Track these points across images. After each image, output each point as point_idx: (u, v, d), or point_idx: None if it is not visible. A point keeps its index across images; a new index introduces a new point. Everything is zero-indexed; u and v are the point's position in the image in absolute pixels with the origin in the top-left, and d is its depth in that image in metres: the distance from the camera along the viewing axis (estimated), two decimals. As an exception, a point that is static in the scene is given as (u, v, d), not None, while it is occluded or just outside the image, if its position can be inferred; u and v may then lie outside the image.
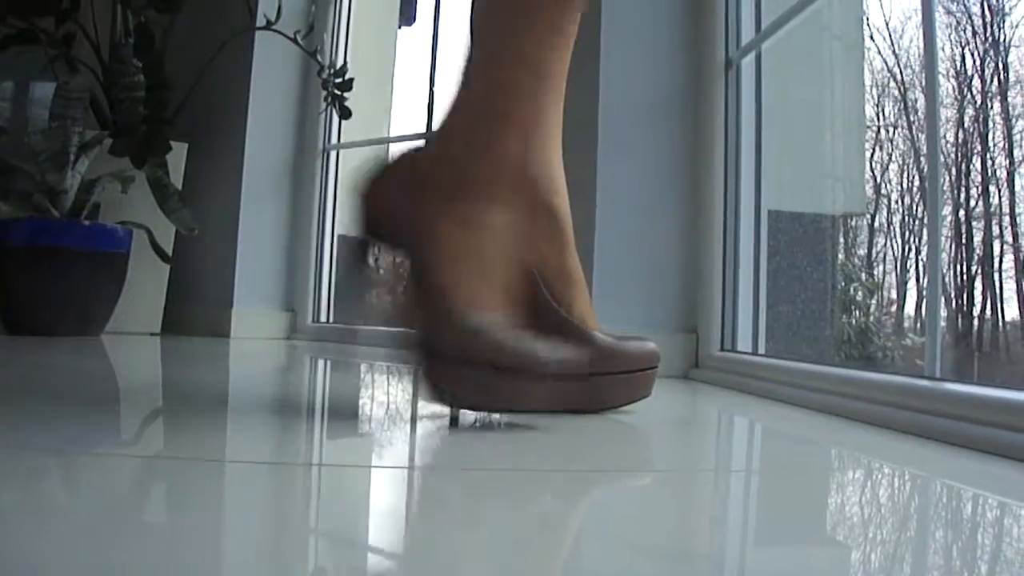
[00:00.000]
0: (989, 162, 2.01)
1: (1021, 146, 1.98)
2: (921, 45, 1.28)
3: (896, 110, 2.34)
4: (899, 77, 2.30)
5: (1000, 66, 2.06)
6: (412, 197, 0.88)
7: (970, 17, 2.14)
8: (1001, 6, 2.15)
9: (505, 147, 0.90)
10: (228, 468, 0.63)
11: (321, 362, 1.87)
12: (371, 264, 0.90)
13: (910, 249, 2.27)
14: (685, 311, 1.77)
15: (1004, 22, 2.11)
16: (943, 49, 2.04)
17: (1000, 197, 2.01)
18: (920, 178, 2.21)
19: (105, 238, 2.23)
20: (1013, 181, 1.99)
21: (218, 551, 0.43)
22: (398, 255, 0.87)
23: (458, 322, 0.84)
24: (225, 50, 2.49)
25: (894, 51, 2.29)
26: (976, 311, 2.08)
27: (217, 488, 0.56)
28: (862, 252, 2.38)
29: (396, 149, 0.86)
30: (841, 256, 2.36)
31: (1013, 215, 1.98)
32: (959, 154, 2.00)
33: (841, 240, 2.38)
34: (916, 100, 2.23)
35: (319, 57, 2.54)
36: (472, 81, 0.91)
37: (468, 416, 0.94)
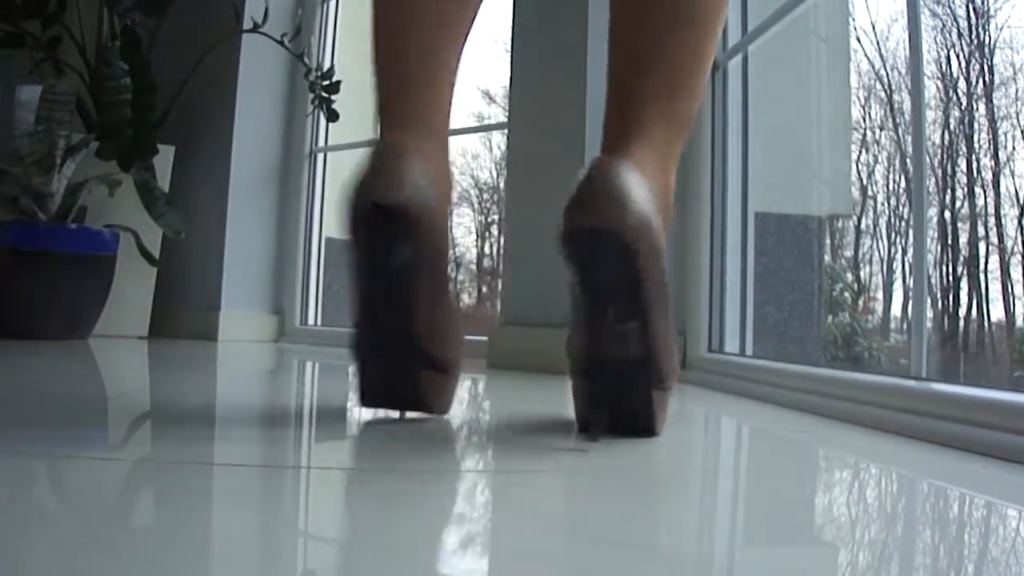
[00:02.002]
0: (975, 164, 2.01)
1: (1006, 148, 1.99)
2: (907, 47, 1.29)
3: (882, 112, 2.34)
4: (885, 79, 2.31)
5: (985, 68, 2.07)
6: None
7: (955, 19, 2.15)
8: (986, 8, 2.16)
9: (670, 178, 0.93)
10: (216, 471, 0.63)
11: (309, 365, 1.87)
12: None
13: (896, 250, 2.28)
14: (673, 313, 1.77)
15: (989, 24, 2.12)
16: (928, 51, 2.05)
17: (986, 198, 2.01)
18: (906, 179, 2.22)
19: (92, 241, 2.22)
20: (998, 183, 1.99)
21: (206, 554, 0.43)
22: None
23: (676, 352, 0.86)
24: (212, 53, 2.49)
25: (880, 53, 2.30)
26: (962, 312, 2.09)
27: (205, 491, 0.56)
28: (848, 253, 2.39)
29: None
30: (827, 257, 2.36)
31: (999, 216, 1.99)
32: (945, 156, 2.01)
33: (827, 241, 2.39)
34: (902, 102, 2.24)
35: (306, 60, 2.54)
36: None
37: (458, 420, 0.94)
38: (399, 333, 0.83)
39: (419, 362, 0.85)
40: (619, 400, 0.81)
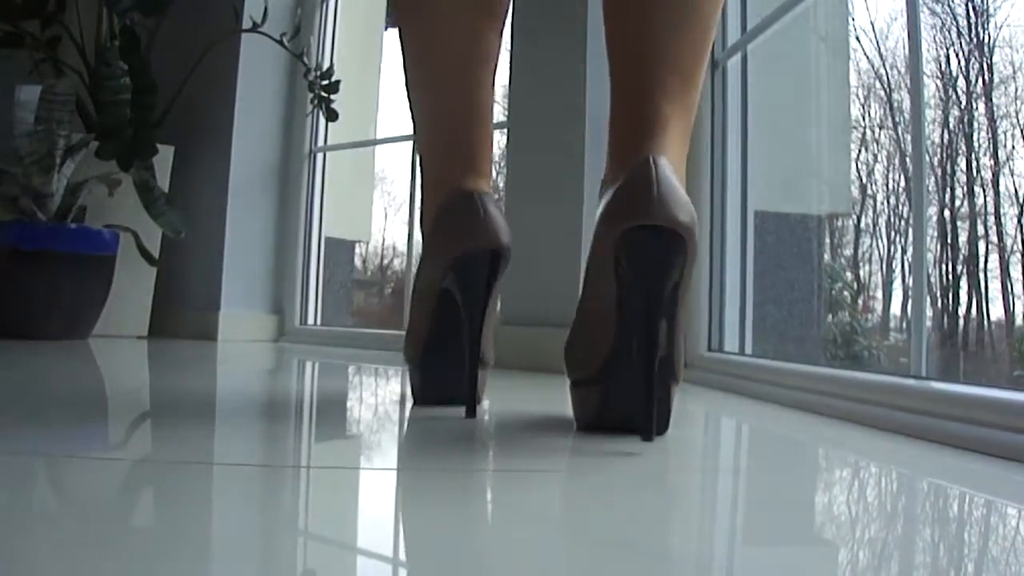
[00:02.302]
0: (974, 162, 2.02)
1: (1006, 146, 1.99)
2: (906, 46, 1.29)
3: (882, 111, 2.35)
4: (884, 78, 2.31)
5: (984, 67, 2.07)
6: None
7: (955, 18, 2.15)
8: (985, 7, 2.16)
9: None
10: (216, 471, 0.63)
11: (309, 364, 1.87)
12: None
13: (896, 249, 2.28)
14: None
15: (988, 23, 2.12)
16: (928, 50, 2.05)
17: (985, 197, 2.02)
18: (905, 178, 2.22)
19: (92, 241, 2.22)
20: (998, 181, 2.00)
21: (206, 554, 0.43)
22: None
23: None
24: (211, 52, 2.48)
25: (879, 52, 2.30)
26: (961, 310, 2.09)
27: (205, 491, 0.56)
28: (848, 252, 2.39)
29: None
30: (827, 256, 2.36)
31: (998, 215, 1.99)
32: (944, 154, 2.01)
33: (827, 240, 2.39)
34: (901, 101, 2.24)
35: (305, 59, 2.53)
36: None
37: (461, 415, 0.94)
38: (473, 344, 0.93)
39: (478, 363, 0.94)
40: (651, 398, 0.80)
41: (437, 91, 1.03)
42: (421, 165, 1.07)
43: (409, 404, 1.09)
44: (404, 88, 1.06)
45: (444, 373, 1.02)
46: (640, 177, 0.78)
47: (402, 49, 1.04)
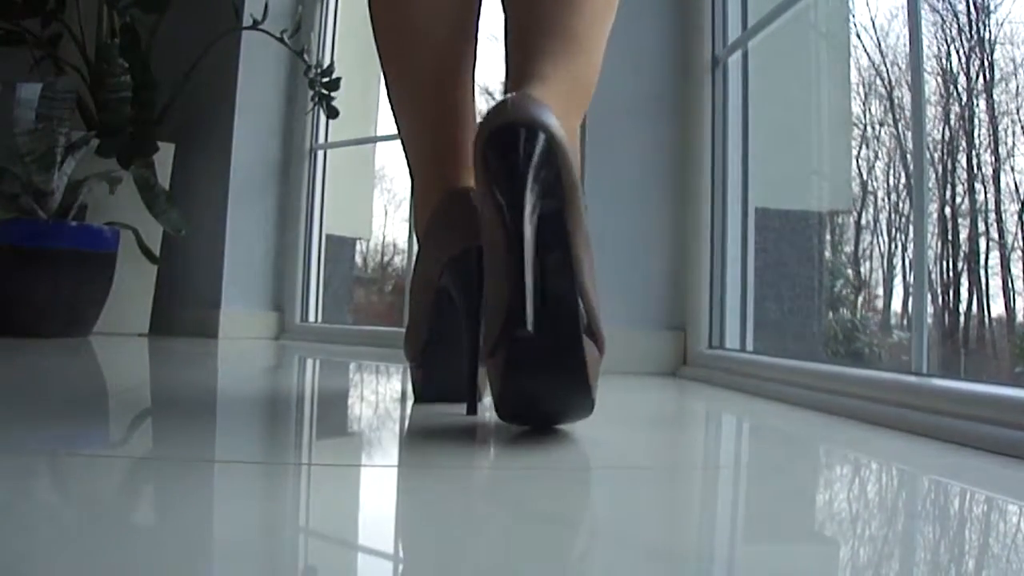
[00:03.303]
0: (975, 159, 2.01)
1: (1006, 143, 1.99)
2: (907, 43, 1.29)
3: (882, 107, 2.34)
4: (885, 74, 2.31)
5: (985, 63, 2.07)
6: None
7: (955, 15, 2.15)
8: (986, 4, 2.16)
9: None
10: (217, 468, 0.63)
11: (310, 362, 1.87)
12: None
13: (896, 246, 2.28)
14: (673, 309, 1.77)
15: (989, 19, 2.11)
16: (929, 47, 2.05)
17: (986, 194, 2.01)
18: (906, 175, 2.22)
19: (92, 239, 2.22)
20: (998, 178, 1.99)
21: (207, 551, 0.43)
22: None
23: None
24: (212, 50, 2.48)
25: (880, 49, 2.30)
26: (962, 307, 2.09)
27: (206, 488, 0.56)
28: (848, 249, 2.39)
29: None
30: (828, 253, 2.36)
31: (999, 212, 1.99)
32: (945, 151, 2.01)
33: (828, 237, 2.39)
34: (902, 97, 2.24)
35: (306, 56, 2.53)
36: None
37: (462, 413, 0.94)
38: (473, 342, 0.92)
39: (477, 360, 0.93)
40: (563, 350, 0.75)
41: (418, 103, 1.04)
42: (410, 170, 1.08)
43: (410, 401, 1.09)
44: (388, 99, 1.08)
45: (444, 370, 1.02)
46: (502, 100, 0.74)
47: (381, 63, 1.06)
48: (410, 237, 2.56)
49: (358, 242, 4.32)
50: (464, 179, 1.00)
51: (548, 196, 0.73)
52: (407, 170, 1.09)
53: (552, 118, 0.73)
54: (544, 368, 0.75)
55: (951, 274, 2.07)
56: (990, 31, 2.10)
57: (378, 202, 4.37)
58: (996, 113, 2.04)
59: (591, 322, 0.76)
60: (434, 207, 0.99)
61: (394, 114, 1.07)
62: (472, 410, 0.94)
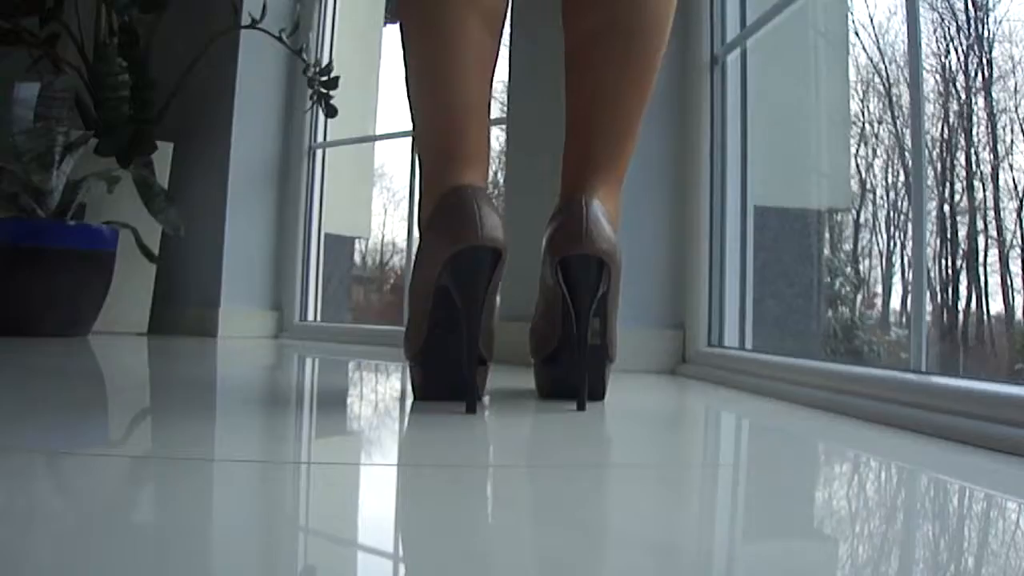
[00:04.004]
0: (973, 157, 2.01)
1: (1005, 141, 1.99)
2: (905, 41, 1.29)
3: (881, 105, 2.34)
4: (884, 73, 2.31)
5: (984, 61, 2.07)
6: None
7: (954, 13, 2.15)
8: (985, 2, 2.16)
9: None
10: (216, 467, 0.63)
11: (309, 361, 1.87)
12: None
13: (895, 244, 2.28)
14: (672, 307, 1.77)
15: (988, 17, 2.11)
16: (927, 45, 2.05)
17: (984, 192, 2.02)
18: (905, 173, 2.22)
19: (91, 238, 2.22)
20: (997, 176, 1.99)
21: (206, 550, 0.43)
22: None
23: None
24: (210, 49, 2.48)
25: (879, 47, 2.30)
26: (961, 305, 2.09)
27: (206, 487, 0.56)
28: (847, 247, 2.39)
29: None
30: (826, 251, 2.36)
31: (997, 210, 1.99)
32: (943, 149, 2.00)
33: (826, 235, 2.39)
34: (900, 95, 2.24)
35: (304, 55, 2.53)
36: None
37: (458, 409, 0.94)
38: (471, 340, 0.97)
39: (476, 359, 0.98)
40: (592, 373, 1.06)
41: (437, 91, 1.05)
42: (420, 163, 1.09)
43: (410, 400, 1.09)
44: (404, 85, 1.08)
45: (444, 369, 1.03)
46: (571, 214, 1.02)
47: (403, 48, 1.07)
48: (409, 236, 2.55)
49: (357, 241, 4.32)
50: (468, 178, 1.01)
51: (601, 294, 1.04)
52: (416, 160, 1.10)
53: (616, 247, 1.03)
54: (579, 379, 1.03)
55: (950, 272, 2.07)
56: (989, 29, 2.10)
57: (377, 201, 4.37)
58: (995, 111, 2.04)
59: (611, 349, 1.11)
60: (437, 201, 0.99)
61: (411, 102, 1.08)
62: (472, 408, 0.94)
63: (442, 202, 0.98)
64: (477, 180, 1.02)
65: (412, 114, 1.08)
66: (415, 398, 1.06)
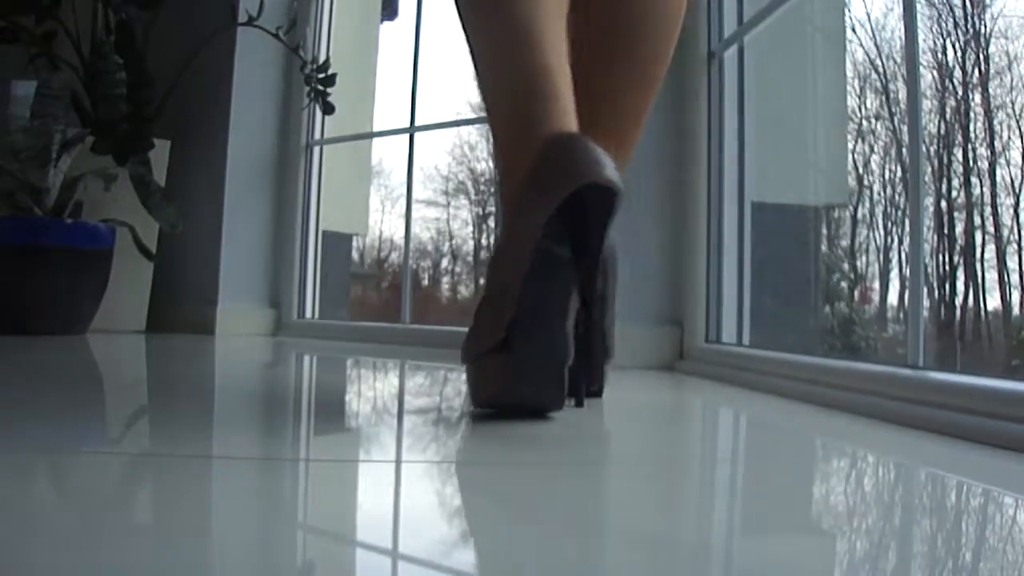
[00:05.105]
0: (971, 153, 2.02)
1: (1002, 137, 1.99)
2: (903, 36, 1.29)
3: (878, 101, 2.35)
4: (881, 69, 2.31)
5: (981, 57, 2.07)
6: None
7: (951, 9, 2.15)
8: (981, -3, 2.16)
9: None
10: (215, 464, 0.63)
11: (307, 358, 1.87)
12: None
13: (892, 239, 2.28)
14: (670, 303, 1.77)
15: (985, 13, 2.12)
16: (924, 40, 2.05)
17: (982, 188, 2.02)
18: (902, 169, 2.22)
19: (88, 236, 2.22)
20: (994, 172, 2.00)
21: (205, 547, 0.43)
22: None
23: None
24: (207, 47, 2.48)
25: (876, 43, 2.30)
26: (958, 301, 2.09)
27: (204, 484, 0.56)
28: (845, 243, 2.39)
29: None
30: (824, 247, 2.37)
31: (995, 205, 2.00)
32: (941, 145, 2.01)
33: (824, 231, 2.39)
34: (898, 91, 2.24)
35: (301, 53, 2.53)
36: None
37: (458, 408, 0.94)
38: (589, 308, 0.89)
39: (599, 322, 1.01)
40: (591, 371, 1.01)
41: (524, 48, 0.94)
42: (498, 133, 0.98)
43: (408, 398, 1.09)
44: (472, 59, 1.00)
45: (535, 354, 0.85)
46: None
47: (480, 15, 0.99)
48: (407, 233, 2.56)
49: (355, 238, 4.33)
50: (569, 126, 0.91)
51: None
52: (491, 134, 1.00)
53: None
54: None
55: (947, 267, 2.08)
56: (985, 25, 2.10)
57: (374, 198, 4.37)
58: (992, 107, 2.04)
59: (609, 345, 1.09)
60: (541, 150, 0.86)
61: (487, 66, 0.99)
62: (579, 403, 0.93)
63: (547, 151, 0.85)
64: (575, 127, 0.91)
65: (487, 82, 0.99)
66: (477, 405, 0.92)
